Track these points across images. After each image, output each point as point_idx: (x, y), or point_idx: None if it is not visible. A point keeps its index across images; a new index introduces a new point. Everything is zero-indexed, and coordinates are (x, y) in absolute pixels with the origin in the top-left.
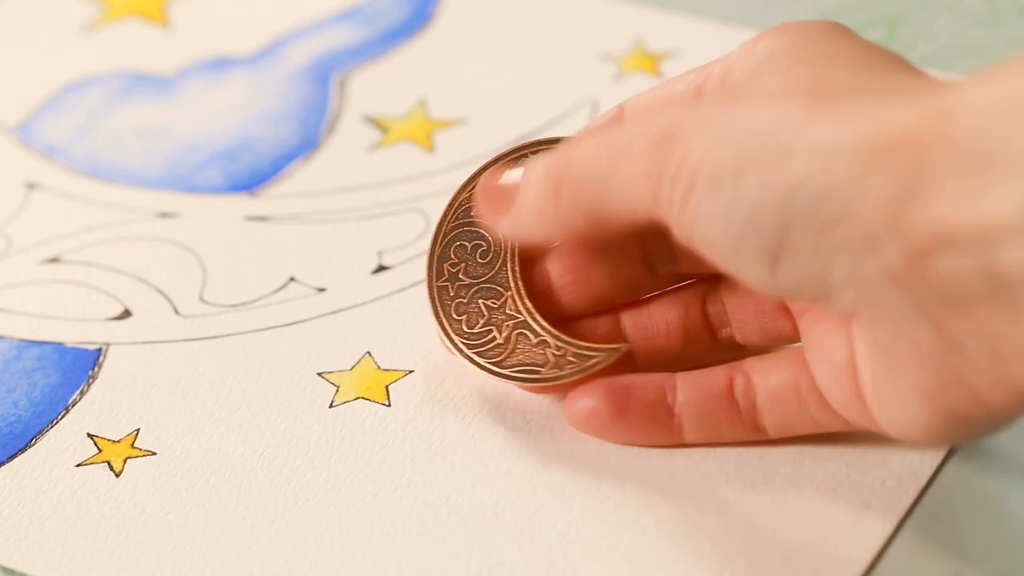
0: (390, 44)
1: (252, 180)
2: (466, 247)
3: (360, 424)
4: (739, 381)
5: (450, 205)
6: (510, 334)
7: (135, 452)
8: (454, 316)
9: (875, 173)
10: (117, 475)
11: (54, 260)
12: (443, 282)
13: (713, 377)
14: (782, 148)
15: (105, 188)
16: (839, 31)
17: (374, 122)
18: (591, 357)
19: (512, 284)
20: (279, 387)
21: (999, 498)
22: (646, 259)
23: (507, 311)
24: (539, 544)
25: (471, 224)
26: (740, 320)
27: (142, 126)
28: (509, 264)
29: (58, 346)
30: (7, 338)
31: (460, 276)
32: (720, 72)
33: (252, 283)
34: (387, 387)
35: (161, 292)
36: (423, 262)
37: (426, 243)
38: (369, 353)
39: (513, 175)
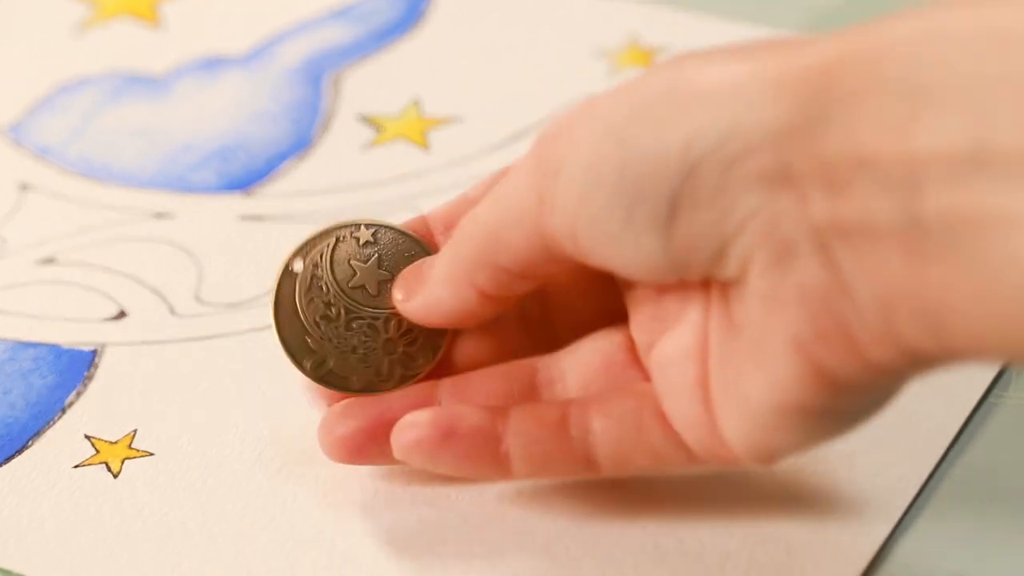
0: (383, 42)
1: (246, 179)
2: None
3: None
4: (575, 412)
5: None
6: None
7: (133, 453)
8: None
9: (783, 101)
10: (115, 476)
11: (49, 261)
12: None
13: (548, 408)
14: (679, 98)
15: (99, 189)
16: None
17: (368, 120)
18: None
19: None
20: (276, 386)
21: (1000, 498)
22: (520, 316)
23: None
24: (540, 539)
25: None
26: (583, 375)
27: (135, 126)
28: None
29: (54, 347)
30: (2, 339)
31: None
32: None
33: (248, 282)
34: None
35: (157, 292)
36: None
37: None
38: None
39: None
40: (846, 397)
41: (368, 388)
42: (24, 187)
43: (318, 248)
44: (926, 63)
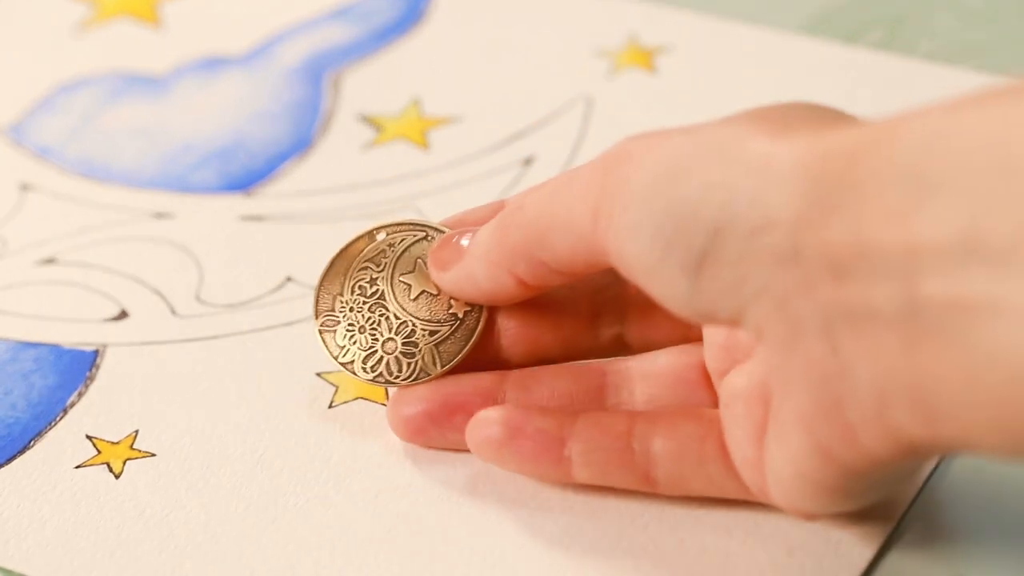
0: (383, 42)
1: (247, 179)
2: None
3: (360, 424)
4: (641, 426)
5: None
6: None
7: (134, 453)
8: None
9: (803, 183)
10: (116, 476)
11: (50, 261)
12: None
13: (615, 418)
14: (726, 157)
15: (99, 189)
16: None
17: (368, 120)
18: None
19: None
20: (278, 387)
21: (1000, 498)
22: (594, 320)
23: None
24: (541, 541)
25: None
26: (651, 388)
27: (135, 126)
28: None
29: (55, 347)
30: (3, 340)
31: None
32: None
33: (248, 282)
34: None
35: (158, 292)
36: None
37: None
38: None
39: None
40: (853, 479)
41: (338, 359)
42: (24, 187)
43: (405, 233)
44: (931, 156)
